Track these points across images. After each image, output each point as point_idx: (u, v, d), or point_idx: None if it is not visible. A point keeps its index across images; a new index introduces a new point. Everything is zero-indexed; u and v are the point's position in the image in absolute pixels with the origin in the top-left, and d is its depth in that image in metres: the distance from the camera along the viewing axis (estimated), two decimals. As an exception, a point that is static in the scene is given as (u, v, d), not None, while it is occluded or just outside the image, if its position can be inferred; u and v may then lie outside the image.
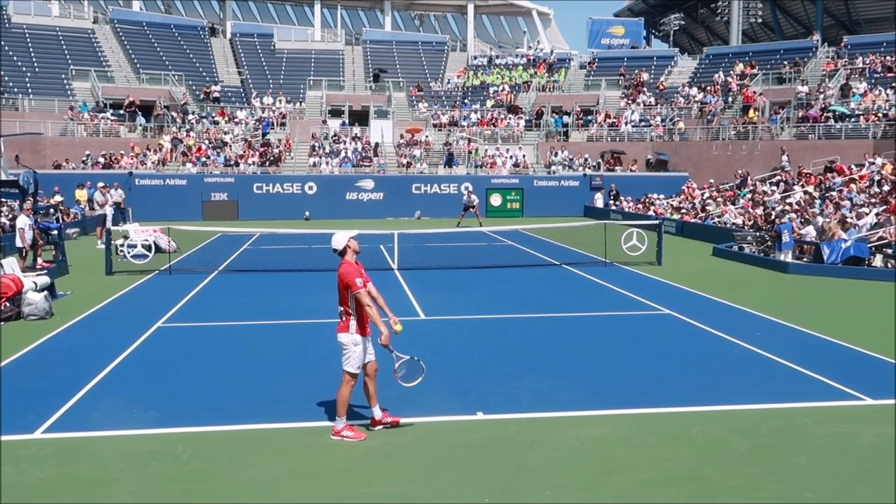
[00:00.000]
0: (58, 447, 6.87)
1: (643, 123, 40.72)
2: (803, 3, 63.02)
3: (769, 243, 19.69)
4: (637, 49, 54.94)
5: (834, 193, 24.26)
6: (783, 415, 7.75)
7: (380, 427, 7.23)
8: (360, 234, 7.39)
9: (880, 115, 33.00)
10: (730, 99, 39.88)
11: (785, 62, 41.03)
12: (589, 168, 38.30)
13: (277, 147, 38.48)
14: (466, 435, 7.18)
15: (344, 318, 7.00)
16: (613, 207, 34.12)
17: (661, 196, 33.48)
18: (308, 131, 40.85)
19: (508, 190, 36.86)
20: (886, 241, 17.87)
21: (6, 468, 6.34)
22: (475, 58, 52.80)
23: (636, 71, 46.27)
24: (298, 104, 44.30)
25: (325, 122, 42.36)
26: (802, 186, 27.42)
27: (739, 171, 32.85)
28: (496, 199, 36.65)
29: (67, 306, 13.49)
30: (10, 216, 22.07)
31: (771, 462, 6.49)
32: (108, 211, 25.02)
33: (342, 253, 7.06)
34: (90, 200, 29.03)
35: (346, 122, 42.87)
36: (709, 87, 41.61)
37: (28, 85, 39.49)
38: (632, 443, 6.94)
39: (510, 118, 42.92)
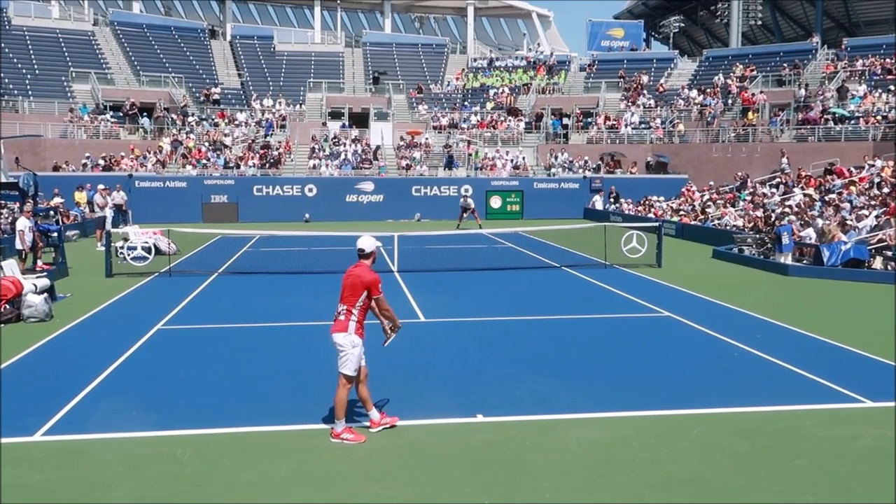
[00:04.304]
0: (58, 449, 6.87)
1: (643, 126, 40.73)
2: (803, 6, 63.09)
3: (769, 245, 19.68)
4: (637, 51, 54.98)
5: (834, 196, 24.26)
6: (783, 417, 7.75)
7: (379, 429, 7.23)
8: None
9: (880, 117, 33.02)
10: (729, 101, 39.90)
11: (784, 64, 41.06)
12: (589, 170, 38.32)
13: (277, 149, 38.50)
14: (466, 437, 7.18)
15: (343, 318, 6.97)
16: (611, 209, 34.12)
17: (661, 198, 33.48)
18: (308, 133, 40.85)
19: (508, 192, 36.86)
20: (886, 243, 17.88)
21: (6, 471, 6.34)
22: (475, 60, 52.83)
23: (636, 73, 46.29)
24: (298, 106, 44.31)
25: (324, 124, 42.37)
26: (802, 189, 27.41)
27: (739, 174, 32.86)
28: (496, 202, 36.64)
29: (67, 308, 13.48)
30: (10, 218, 22.06)
31: (771, 464, 6.49)
32: (108, 213, 25.01)
33: (367, 256, 7.08)
34: (90, 203, 29.03)
35: (346, 124, 42.89)
36: (708, 90, 41.63)
37: (28, 87, 39.49)
38: (632, 445, 6.94)
39: (510, 120, 42.94)
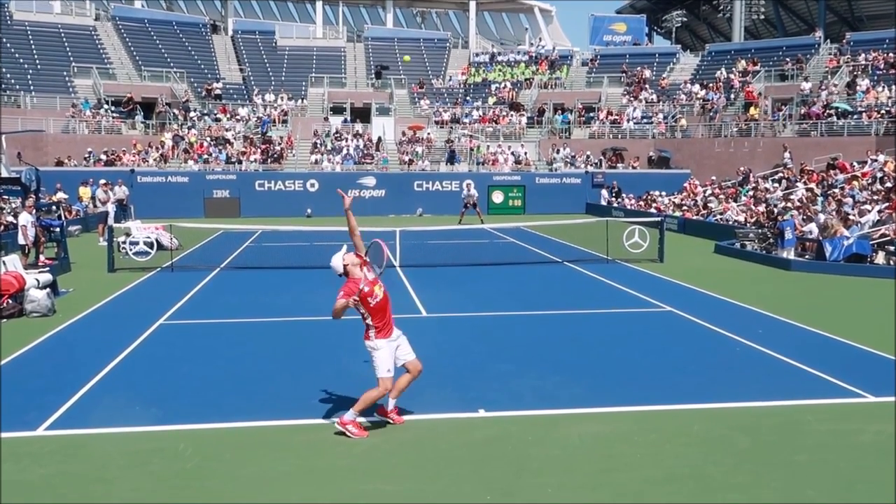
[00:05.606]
0: (59, 444, 6.88)
1: (645, 120, 40.66)
2: (806, 0, 62.86)
3: (771, 240, 19.67)
4: (639, 46, 54.78)
5: (836, 190, 24.21)
6: (785, 412, 7.75)
7: (380, 418, 7.26)
8: (348, 244, 7.50)
9: (883, 111, 32.92)
10: (732, 96, 39.80)
11: (787, 59, 40.93)
12: (591, 165, 38.27)
13: (279, 144, 38.48)
14: (468, 433, 7.18)
15: (365, 327, 7.14)
16: (615, 204, 34.09)
17: (663, 193, 33.43)
18: (310, 128, 40.84)
19: (510, 187, 36.85)
20: (888, 238, 17.84)
21: (8, 466, 6.35)
22: (477, 55, 52.70)
23: (638, 68, 46.17)
24: (300, 101, 44.27)
25: (326, 119, 42.34)
26: (805, 183, 27.37)
27: (741, 169, 32.77)
28: (498, 197, 36.62)
29: (69, 303, 13.51)
30: (13, 213, 22.09)
31: (772, 459, 6.49)
32: (111, 208, 25.05)
33: (346, 273, 7.13)
34: (93, 198, 29.06)
35: (348, 119, 42.84)
36: (711, 84, 41.53)
37: (30, 82, 39.49)
38: (633, 440, 6.94)
39: (512, 115, 42.88)
